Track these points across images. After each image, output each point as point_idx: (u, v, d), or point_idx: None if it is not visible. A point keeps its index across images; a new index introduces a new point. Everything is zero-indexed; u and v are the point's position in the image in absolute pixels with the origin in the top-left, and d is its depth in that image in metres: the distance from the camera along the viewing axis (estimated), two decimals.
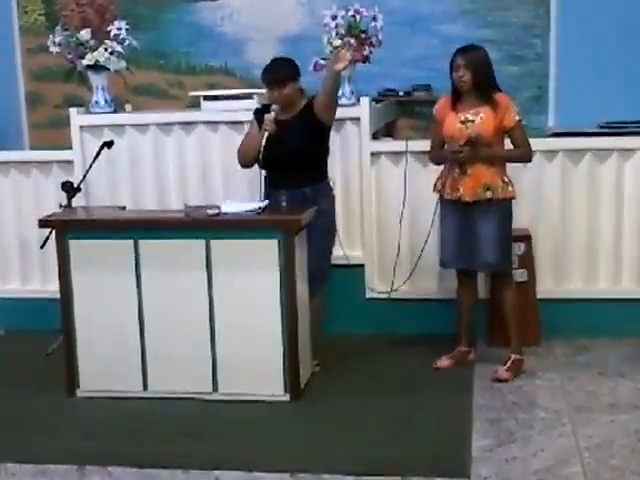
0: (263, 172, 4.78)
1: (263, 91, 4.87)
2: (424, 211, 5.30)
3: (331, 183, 4.86)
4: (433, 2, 7.24)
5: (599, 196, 5.27)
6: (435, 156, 4.81)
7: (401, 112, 7.19)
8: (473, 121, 4.56)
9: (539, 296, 5.22)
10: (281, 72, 4.62)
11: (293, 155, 4.59)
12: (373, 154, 5.38)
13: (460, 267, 4.76)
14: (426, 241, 4.98)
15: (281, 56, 4.83)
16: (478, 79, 4.54)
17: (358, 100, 5.37)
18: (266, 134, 4.57)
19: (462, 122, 4.59)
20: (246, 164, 4.81)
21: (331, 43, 5.23)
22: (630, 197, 5.25)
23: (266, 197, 4.69)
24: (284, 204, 4.59)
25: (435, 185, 4.76)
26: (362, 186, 5.39)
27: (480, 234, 4.60)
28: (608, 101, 6.41)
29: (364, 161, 5.37)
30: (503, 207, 4.62)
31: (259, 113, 4.77)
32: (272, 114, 4.60)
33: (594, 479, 3.55)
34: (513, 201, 4.69)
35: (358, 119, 5.35)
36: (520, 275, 4.99)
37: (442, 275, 5.33)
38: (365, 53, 5.26)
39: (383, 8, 5.31)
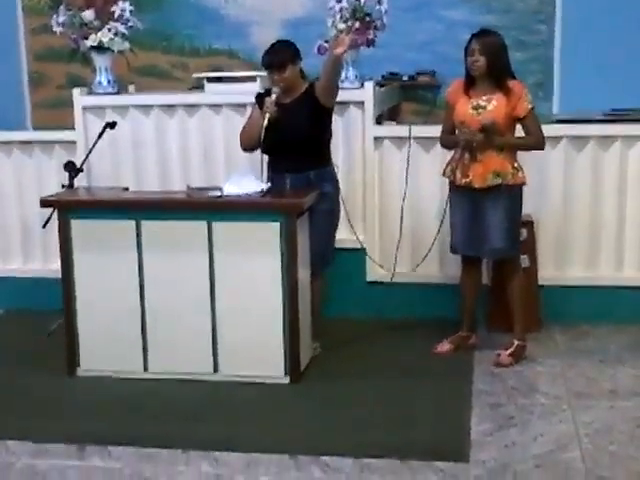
0: (265, 156, 4.77)
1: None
2: (427, 196, 5.31)
3: (335, 168, 4.85)
4: None
5: (602, 183, 5.26)
6: (446, 141, 4.78)
7: (404, 96, 7.18)
8: (485, 107, 4.53)
9: (541, 282, 5.22)
10: (281, 55, 4.60)
11: (295, 138, 4.58)
12: (376, 139, 5.36)
13: (469, 253, 4.75)
14: (439, 230, 4.96)
15: (281, 39, 4.81)
16: (492, 65, 4.51)
17: (362, 84, 5.35)
18: (267, 117, 4.55)
19: (474, 108, 4.56)
20: (248, 148, 4.81)
21: (335, 26, 5.21)
22: (633, 184, 5.24)
23: (270, 181, 4.67)
24: (287, 187, 4.59)
25: (445, 171, 4.74)
26: (365, 170, 5.38)
27: (489, 220, 4.58)
28: (613, 88, 6.40)
29: (367, 145, 5.36)
30: (513, 193, 4.60)
31: (260, 97, 4.76)
32: (273, 97, 4.58)
33: (593, 465, 3.56)
34: None
35: (362, 103, 5.33)
36: (522, 261, 4.98)
37: (443, 260, 5.33)
38: (369, 37, 5.23)
39: None
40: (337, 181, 4.82)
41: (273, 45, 4.69)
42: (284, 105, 4.61)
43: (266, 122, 4.55)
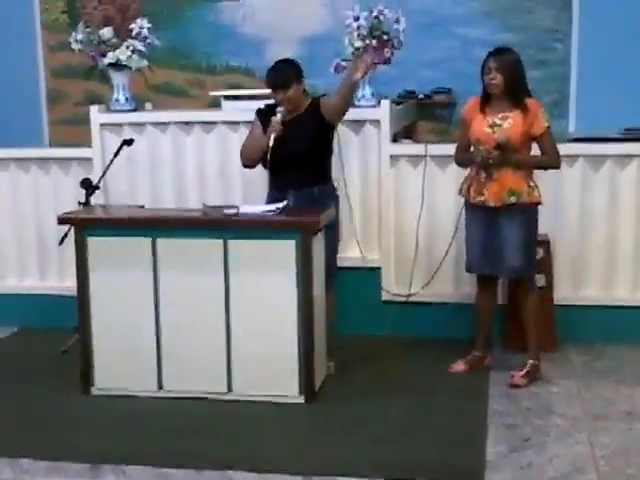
0: (259, 173, 4.79)
1: None
2: (443, 215, 5.30)
3: (335, 184, 4.86)
4: (454, 4, 7.22)
5: (619, 202, 5.24)
6: (461, 158, 4.77)
7: (420, 115, 7.17)
8: (501, 126, 4.53)
9: (557, 302, 5.20)
10: (285, 74, 4.63)
11: (299, 155, 4.61)
12: (392, 157, 5.36)
13: (484, 272, 4.73)
14: (450, 244, 4.96)
15: (284, 58, 4.82)
16: (509, 83, 4.50)
17: (378, 102, 5.35)
18: (273, 137, 4.57)
19: (490, 126, 4.55)
20: (249, 165, 4.83)
21: (353, 44, 5.22)
22: None
23: (272, 199, 4.70)
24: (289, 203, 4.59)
25: (461, 189, 4.73)
26: (381, 189, 5.38)
27: (505, 239, 4.57)
28: (630, 106, 6.39)
29: (383, 164, 5.36)
30: (528, 212, 4.58)
31: (261, 113, 4.78)
32: (278, 116, 4.59)
33: None
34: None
35: (378, 121, 5.34)
36: (538, 280, 4.95)
37: (459, 279, 5.32)
38: (386, 55, 5.24)
39: (404, 10, 5.30)
40: (337, 197, 4.85)
41: (276, 64, 4.72)
42: (288, 122, 4.62)
43: (272, 142, 4.55)
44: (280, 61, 4.74)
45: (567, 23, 7.04)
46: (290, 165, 4.61)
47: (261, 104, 4.87)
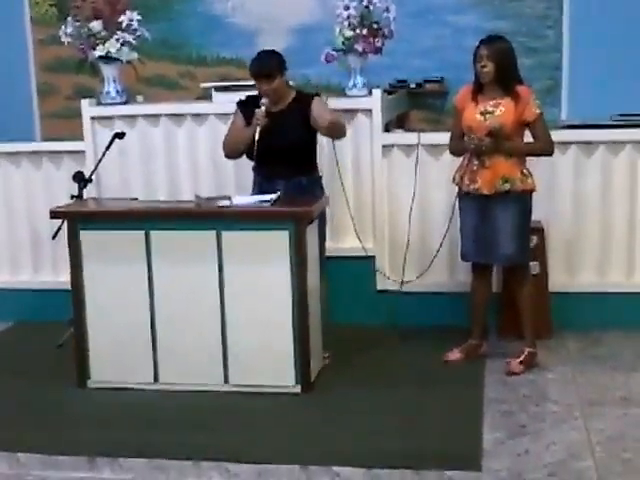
0: (251, 164, 4.80)
1: None
2: (436, 204, 5.30)
3: (320, 172, 4.89)
4: None
5: (612, 189, 5.25)
6: (455, 147, 4.77)
7: (412, 104, 7.17)
8: (493, 113, 4.52)
9: (551, 289, 5.20)
10: (269, 65, 4.63)
11: (288, 146, 4.62)
12: (385, 146, 5.36)
13: (479, 260, 4.73)
14: (445, 233, 4.96)
15: (267, 49, 4.81)
16: (501, 71, 4.50)
17: (370, 92, 5.34)
18: (259, 128, 4.57)
19: (482, 113, 4.55)
20: (232, 156, 4.86)
21: (343, 34, 5.22)
22: None
23: (259, 187, 4.71)
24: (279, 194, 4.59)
25: (454, 177, 4.73)
26: (374, 178, 5.38)
27: (498, 226, 4.57)
28: (621, 93, 6.39)
29: (376, 153, 5.35)
30: (522, 199, 4.58)
31: (243, 105, 4.79)
32: (262, 108, 4.60)
33: (606, 473, 3.54)
34: None
35: (370, 111, 5.33)
36: (532, 268, 4.96)
37: (453, 267, 5.32)
38: (377, 44, 5.23)
39: None
40: (322, 186, 4.88)
41: (259, 55, 4.71)
42: (274, 114, 4.63)
43: (258, 134, 4.56)
44: (263, 52, 4.74)
45: (558, 10, 7.06)
46: (278, 156, 4.61)
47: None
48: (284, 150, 4.61)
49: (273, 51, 4.74)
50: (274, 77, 4.61)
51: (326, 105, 4.81)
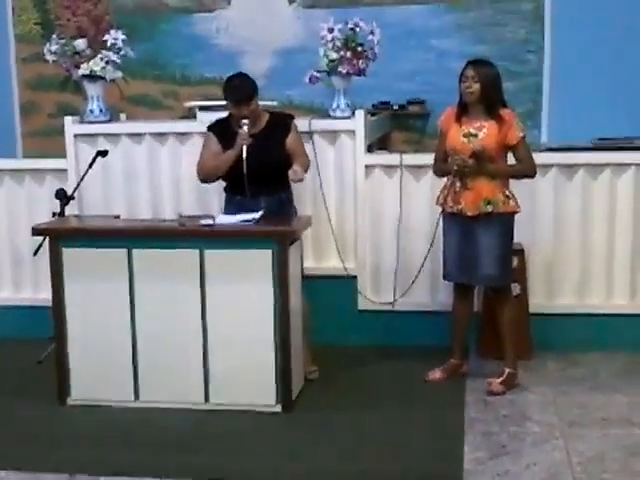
0: (223, 183, 4.86)
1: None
2: (418, 224, 5.32)
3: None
4: (428, 17, 7.29)
5: (592, 211, 5.29)
6: (439, 168, 4.80)
7: (395, 125, 7.23)
8: (476, 135, 4.57)
9: (531, 310, 5.23)
10: (247, 89, 4.72)
11: (274, 164, 4.70)
12: (368, 167, 5.38)
13: (461, 280, 4.76)
14: (427, 253, 4.98)
15: (238, 72, 4.88)
16: (486, 92, 4.54)
17: (353, 113, 5.38)
18: (245, 148, 4.62)
19: (465, 136, 4.59)
20: (210, 180, 4.90)
21: (327, 56, 5.25)
22: (623, 212, 5.26)
23: (240, 207, 4.71)
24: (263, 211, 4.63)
25: (438, 198, 4.77)
26: (356, 198, 5.40)
27: (481, 247, 4.60)
28: (601, 117, 6.47)
29: (358, 174, 5.38)
30: (504, 221, 4.62)
31: (215, 128, 4.85)
32: (245, 128, 4.67)
33: None
34: None
35: (353, 132, 5.36)
36: (513, 289, 4.99)
37: (435, 287, 5.34)
38: (361, 66, 5.27)
39: (379, 22, 5.33)
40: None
41: (234, 81, 4.77)
42: (254, 134, 4.71)
43: (245, 154, 4.61)
44: (236, 77, 4.79)
45: (539, 35, 7.14)
46: (264, 174, 4.66)
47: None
48: (270, 168, 4.67)
49: (244, 74, 4.82)
50: (252, 100, 4.71)
51: (300, 137, 4.90)
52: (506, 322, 4.74)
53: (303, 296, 4.72)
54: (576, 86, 6.85)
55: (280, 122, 4.83)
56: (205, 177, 4.88)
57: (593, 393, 4.66)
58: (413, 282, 5.19)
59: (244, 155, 4.62)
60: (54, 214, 5.11)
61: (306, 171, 4.80)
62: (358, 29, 5.23)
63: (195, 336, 4.45)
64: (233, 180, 4.76)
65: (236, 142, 4.66)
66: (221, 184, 5.04)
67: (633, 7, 6.87)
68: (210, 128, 4.89)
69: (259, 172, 4.64)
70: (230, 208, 4.83)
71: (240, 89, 4.71)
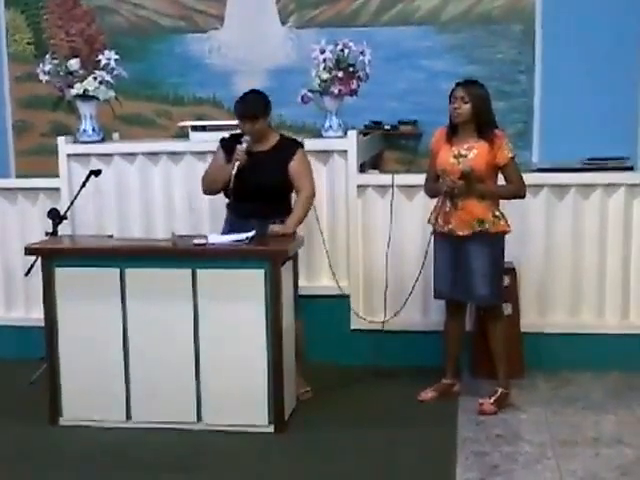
0: (226, 200, 4.85)
1: None
2: (410, 244, 5.34)
3: None
4: (419, 38, 7.34)
5: (583, 231, 5.31)
6: (430, 189, 4.82)
7: (387, 145, 7.27)
8: (466, 156, 4.59)
9: (523, 329, 5.24)
10: (254, 107, 4.70)
11: (265, 187, 4.67)
12: (360, 187, 5.40)
13: (453, 297, 4.77)
14: (419, 273, 4.99)
15: (254, 89, 4.87)
16: (475, 113, 4.57)
17: (345, 133, 5.41)
18: (237, 165, 4.62)
19: (455, 157, 4.62)
20: (211, 192, 4.90)
21: (319, 76, 5.29)
22: (613, 232, 5.29)
23: (230, 227, 4.73)
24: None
25: (430, 218, 4.79)
26: (348, 218, 5.41)
27: (472, 267, 4.62)
28: (592, 137, 6.50)
29: (351, 194, 5.40)
30: (494, 241, 4.64)
31: (226, 142, 4.84)
32: (244, 145, 4.66)
33: None
34: None
35: (345, 152, 5.38)
36: (505, 308, 5.00)
37: (427, 307, 5.35)
38: (353, 87, 5.31)
39: (370, 43, 5.37)
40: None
41: (246, 95, 4.77)
42: (255, 154, 4.68)
43: (236, 170, 4.61)
44: (250, 92, 4.80)
45: (530, 56, 7.19)
46: (254, 195, 4.66)
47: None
48: (260, 190, 4.66)
49: (259, 92, 4.80)
50: (258, 118, 4.67)
51: (308, 165, 4.82)
52: (498, 341, 4.75)
53: (297, 315, 4.73)
54: (566, 106, 6.90)
55: (287, 147, 4.77)
56: (204, 188, 4.90)
57: (585, 412, 4.66)
58: (406, 302, 5.20)
59: (234, 172, 4.62)
60: (47, 233, 5.10)
61: (311, 203, 4.79)
62: (347, 50, 5.27)
63: (187, 356, 4.45)
64: (230, 197, 4.76)
65: (232, 158, 4.67)
66: (215, 203, 5.07)
67: (622, 28, 6.92)
68: (221, 141, 4.88)
69: (248, 192, 4.64)
70: (225, 226, 4.84)
71: (246, 105, 4.70)
